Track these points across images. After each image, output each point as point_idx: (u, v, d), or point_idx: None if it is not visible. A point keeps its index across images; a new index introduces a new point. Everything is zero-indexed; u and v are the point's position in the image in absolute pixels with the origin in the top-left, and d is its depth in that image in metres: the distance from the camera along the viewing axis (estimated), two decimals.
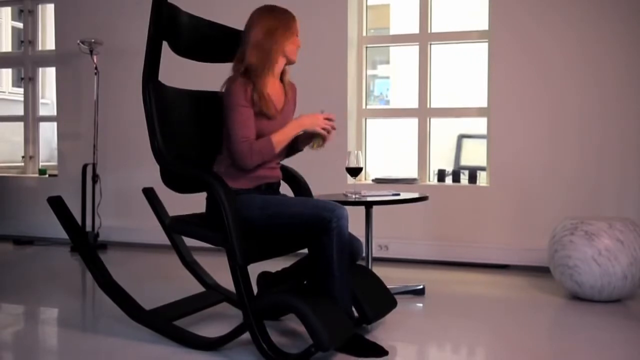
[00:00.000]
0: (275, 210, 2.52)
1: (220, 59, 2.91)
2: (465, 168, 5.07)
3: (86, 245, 2.93)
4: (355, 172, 3.16)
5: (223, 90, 2.63)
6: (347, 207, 3.42)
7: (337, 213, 2.44)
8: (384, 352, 2.46)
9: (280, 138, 2.59)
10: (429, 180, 4.61)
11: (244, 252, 2.40)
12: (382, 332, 2.79)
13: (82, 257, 2.90)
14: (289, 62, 2.75)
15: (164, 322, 2.71)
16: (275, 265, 2.96)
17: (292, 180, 3.00)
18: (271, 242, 2.59)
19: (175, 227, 2.73)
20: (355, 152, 3.19)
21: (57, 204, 2.86)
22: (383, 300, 2.85)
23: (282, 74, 2.77)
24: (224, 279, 2.95)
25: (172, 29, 2.64)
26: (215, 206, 2.54)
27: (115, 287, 2.85)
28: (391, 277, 3.73)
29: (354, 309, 2.65)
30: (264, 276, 2.93)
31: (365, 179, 4.76)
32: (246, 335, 2.43)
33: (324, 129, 2.68)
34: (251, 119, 2.57)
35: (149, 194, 3.16)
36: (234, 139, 2.53)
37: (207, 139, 2.79)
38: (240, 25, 3.00)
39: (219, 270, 3.14)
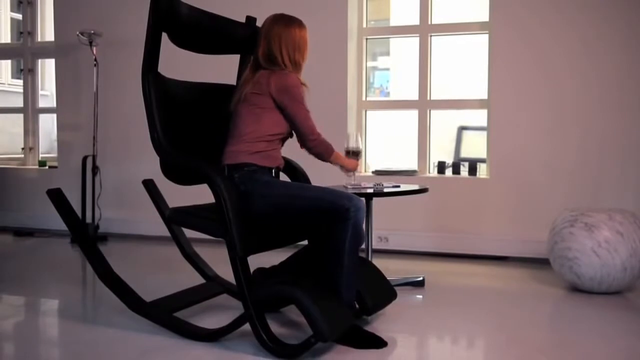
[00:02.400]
0: (296, 192, 2.59)
1: (220, 51, 2.90)
2: (465, 160, 5.07)
3: (86, 237, 2.93)
4: (354, 155, 3.13)
5: (275, 83, 2.67)
6: None
7: (355, 203, 2.48)
8: (384, 344, 2.47)
9: (336, 154, 2.88)
10: (429, 172, 4.61)
11: (244, 243, 2.41)
12: (381, 324, 2.79)
13: (82, 249, 2.90)
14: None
15: (164, 313, 2.72)
16: (274, 258, 2.96)
17: (292, 172, 3.00)
18: (271, 233, 2.59)
19: (175, 218, 2.73)
20: (355, 134, 3.16)
21: (57, 197, 2.86)
22: (383, 292, 2.85)
23: None
24: (224, 270, 2.95)
25: (171, 21, 2.63)
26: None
27: (115, 279, 2.85)
28: (391, 269, 3.73)
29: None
30: (260, 272, 2.93)
31: (365, 170, 4.76)
32: (246, 327, 2.43)
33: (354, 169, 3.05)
34: None
35: (149, 185, 3.16)
36: (307, 128, 2.71)
37: (208, 130, 2.78)
38: (240, 17, 2.99)
39: (219, 261, 3.15)
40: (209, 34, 2.81)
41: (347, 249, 2.47)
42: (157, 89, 2.61)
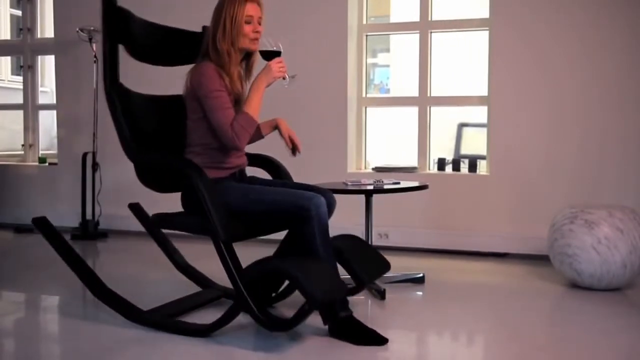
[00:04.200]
0: (255, 197, 2.57)
1: (178, 62, 2.96)
2: (465, 157, 5.07)
3: (78, 260, 2.90)
4: (270, 55, 2.65)
5: (191, 79, 2.61)
6: (348, 196, 3.43)
7: (315, 201, 2.48)
8: (384, 340, 2.46)
9: (253, 107, 2.58)
10: (429, 169, 4.61)
11: (226, 228, 2.43)
12: (381, 320, 2.80)
13: (75, 272, 2.88)
14: (247, 51, 2.70)
15: (160, 318, 2.71)
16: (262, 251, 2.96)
17: (275, 171, 3.00)
18: (254, 224, 2.62)
19: (159, 222, 2.73)
20: (270, 39, 2.67)
21: (43, 225, 2.87)
22: (376, 264, 2.88)
23: (250, 64, 2.76)
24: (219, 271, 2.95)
25: (126, 33, 2.69)
26: (191, 192, 2.59)
27: (109, 294, 2.83)
28: (391, 265, 3.73)
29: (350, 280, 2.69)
30: None
31: (365, 167, 4.76)
32: (242, 321, 2.43)
33: (280, 71, 2.62)
34: (229, 101, 2.60)
35: (136, 209, 3.22)
36: (219, 124, 2.54)
37: (172, 140, 2.83)
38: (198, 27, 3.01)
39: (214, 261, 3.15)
40: (164, 47, 2.87)
41: (319, 245, 2.48)
42: (122, 100, 2.67)
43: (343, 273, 2.65)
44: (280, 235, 2.79)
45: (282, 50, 2.65)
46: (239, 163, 2.75)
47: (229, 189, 2.60)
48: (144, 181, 2.75)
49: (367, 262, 2.80)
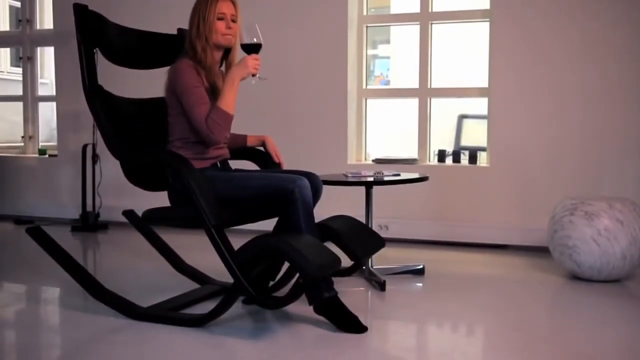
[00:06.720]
0: (239, 182, 2.62)
1: (153, 65, 2.98)
2: (465, 148, 5.07)
3: (75, 266, 2.89)
4: (252, 49, 2.65)
5: (169, 76, 2.68)
6: (348, 187, 3.43)
7: (299, 183, 2.53)
8: (364, 329, 2.47)
9: (228, 101, 2.59)
10: (429, 161, 4.61)
11: (215, 212, 2.43)
12: (381, 311, 2.80)
13: (73, 277, 2.87)
14: (223, 47, 2.74)
15: (160, 310, 2.72)
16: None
17: (259, 158, 3.02)
18: (242, 210, 2.63)
19: (151, 219, 2.74)
20: (252, 24, 2.65)
21: (37, 234, 2.87)
22: (370, 241, 2.89)
23: (229, 60, 2.79)
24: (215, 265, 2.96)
25: (101, 37, 2.72)
26: (177, 184, 2.62)
27: (109, 295, 2.83)
28: (391, 257, 3.74)
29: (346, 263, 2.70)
30: None
31: (366, 159, 4.76)
32: (240, 312, 2.44)
33: (255, 68, 2.63)
34: (205, 96, 2.63)
35: (130, 216, 3.25)
36: (195, 120, 2.59)
37: (154, 140, 2.86)
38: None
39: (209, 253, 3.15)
40: (140, 50, 2.91)
41: (303, 227, 2.53)
42: (104, 101, 2.72)
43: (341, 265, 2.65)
44: (272, 226, 2.81)
45: (262, 43, 2.64)
46: (219, 154, 2.79)
47: (213, 177, 2.64)
48: (131, 179, 2.81)
49: (361, 239, 2.82)
